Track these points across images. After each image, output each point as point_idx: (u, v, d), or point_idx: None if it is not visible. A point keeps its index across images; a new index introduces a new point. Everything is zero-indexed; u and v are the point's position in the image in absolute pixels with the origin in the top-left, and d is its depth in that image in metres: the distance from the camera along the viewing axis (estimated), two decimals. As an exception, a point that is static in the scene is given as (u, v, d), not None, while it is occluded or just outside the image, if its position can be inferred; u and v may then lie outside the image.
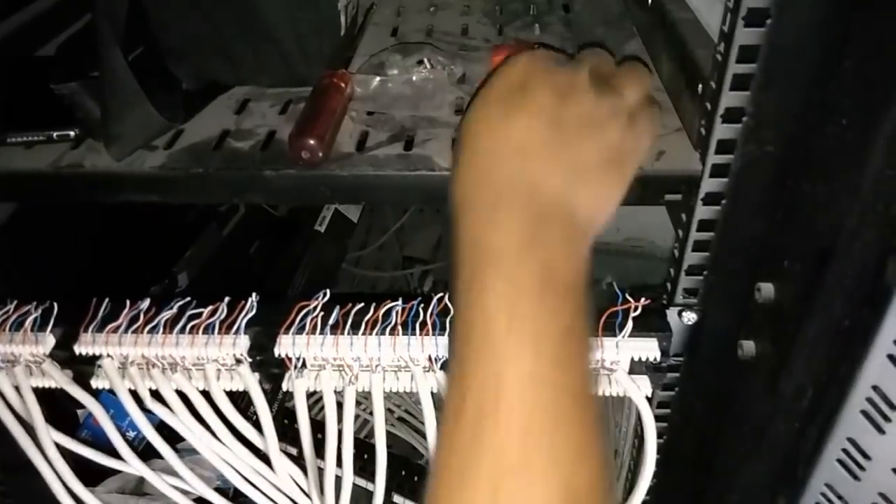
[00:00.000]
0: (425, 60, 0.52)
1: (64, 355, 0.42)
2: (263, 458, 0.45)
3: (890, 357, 0.32)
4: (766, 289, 0.38)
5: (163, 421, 0.42)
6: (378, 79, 0.51)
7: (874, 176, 0.30)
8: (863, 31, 0.30)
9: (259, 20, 0.47)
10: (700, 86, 0.43)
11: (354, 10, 0.57)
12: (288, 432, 0.62)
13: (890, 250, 0.31)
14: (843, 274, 0.33)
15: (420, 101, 0.50)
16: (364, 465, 0.65)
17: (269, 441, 0.42)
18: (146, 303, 0.42)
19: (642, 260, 1.15)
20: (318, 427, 0.45)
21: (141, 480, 0.75)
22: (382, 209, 1.19)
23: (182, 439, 0.44)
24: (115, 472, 0.72)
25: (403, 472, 0.76)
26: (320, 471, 0.44)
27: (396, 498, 0.76)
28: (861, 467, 0.36)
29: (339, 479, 0.44)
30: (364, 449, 0.66)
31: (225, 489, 0.51)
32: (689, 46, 0.47)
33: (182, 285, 0.83)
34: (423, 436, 0.81)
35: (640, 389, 0.39)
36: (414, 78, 0.51)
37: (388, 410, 0.82)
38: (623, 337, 0.38)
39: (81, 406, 0.75)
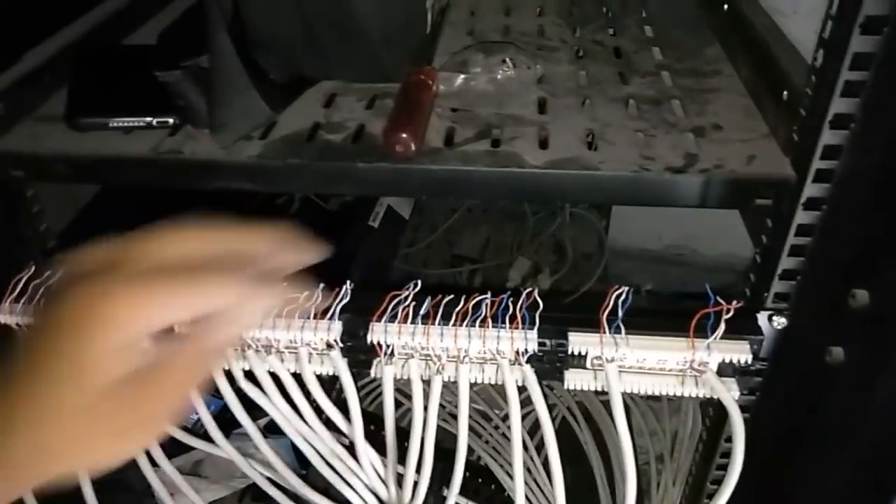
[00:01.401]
0: (508, 60, 0.53)
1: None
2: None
3: None
4: (861, 295, 0.38)
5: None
6: (462, 76, 0.52)
7: None
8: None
9: (350, 16, 0.48)
10: (786, 91, 0.43)
11: (440, 9, 0.58)
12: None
13: None
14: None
15: (504, 99, 0.51)
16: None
17: (356, 426, 0.43)
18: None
19: (684, 267, 1.15)
20: (369, 419, 0.45)
21: (198, 462, 0.77)
22: (431, 207, 1.20)
23: (236, 426, 0.45)
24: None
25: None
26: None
27: (445, 491, 0.76)
28: (954, 478, 0.36)
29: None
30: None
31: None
32: (771, 51, 0.47)
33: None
34: (474, 432, 0.82)
35: (729, 392, 0.39)
36: (498, 76, 0.52)
37: (440, 406, 0.83)
38: (715, 339, 0.38)
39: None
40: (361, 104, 0.51)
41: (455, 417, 0.83)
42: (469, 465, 0.79)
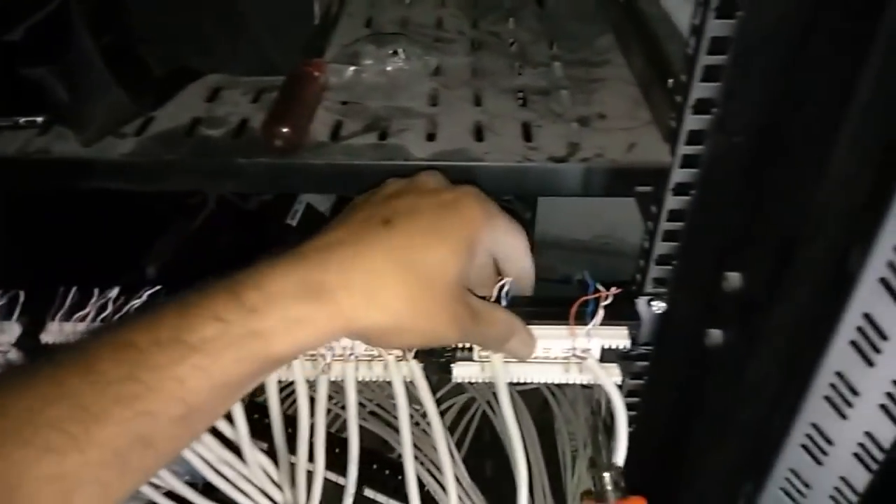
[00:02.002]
0: (400, 51, 0.52)
1: (30, 344, 0.41)
2: (233, 450, 0.44)
3: (852, 343, 0.33)
4: (733, 278, 0.39)
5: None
6: (352, 68, 0.51)
7: (838, 166, 0.31)
8: (828, 23, 0.31)
9: (233, 7, 0.47)
10: (671, 80, 0.44)
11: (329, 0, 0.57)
12: (256, 427, 0.61)
13: (852, 239, 0.32)
14: (808, 262, 0.34)
15: (394, 91, 0.50)
16: (335, 459, 0.65)
17: (241, 432, 0.42)
18: (115, 291, 0.41)
19: (611, 256, 1.17)
20: (288, 421, 0.45)
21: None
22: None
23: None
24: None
25: (375, 466, 0.76)
26: (291, 464, 0.44)
27: (367, 491, 0.75)
28: (824, 452, 0.37)
29: (310, 473, 0.44)
30: (335, 442, 0.66)
31: (194, 483, 0.51)
32: (660, 41, 0.48)
33: (150, 278, 0.82)
34: (395, 430, 0.81)
35: (610, 377, 0.39)
36: (389, 68, 0.51)
37: (360, 405, 0.82)
38: (594, 325, 0.39)
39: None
40: (247, 98, 0.49)
41: (375, 416, 0.83)
42: (389, 462, 0.78)
